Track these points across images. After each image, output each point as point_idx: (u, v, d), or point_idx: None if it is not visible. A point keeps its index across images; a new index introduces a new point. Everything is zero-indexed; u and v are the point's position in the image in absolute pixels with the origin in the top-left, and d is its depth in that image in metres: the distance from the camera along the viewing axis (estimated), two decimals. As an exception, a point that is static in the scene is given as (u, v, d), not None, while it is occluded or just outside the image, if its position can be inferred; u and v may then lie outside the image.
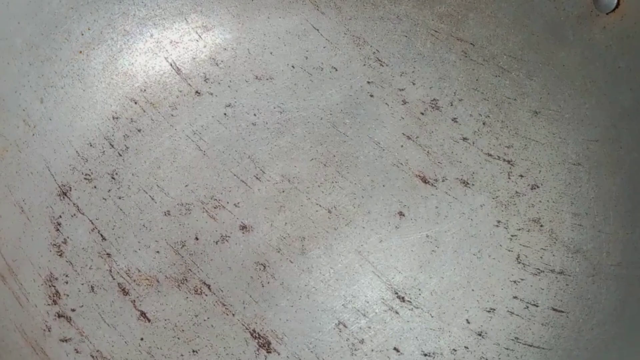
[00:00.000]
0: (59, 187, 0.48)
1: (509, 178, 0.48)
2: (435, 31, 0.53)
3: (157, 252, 0.46)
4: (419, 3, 0.53)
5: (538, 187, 0.47)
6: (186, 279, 0.45)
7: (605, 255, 0.42)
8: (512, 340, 0.42)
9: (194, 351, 0.43)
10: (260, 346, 0.44)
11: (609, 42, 0.45)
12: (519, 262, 0.45)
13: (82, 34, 0.51)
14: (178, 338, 0.44)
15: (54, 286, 0.45)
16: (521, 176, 0.48)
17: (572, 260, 0.43)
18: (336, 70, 0.54)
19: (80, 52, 0.51)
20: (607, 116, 0.45)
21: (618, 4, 0.43)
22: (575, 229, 0.44)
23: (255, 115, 0.52)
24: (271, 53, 0.55)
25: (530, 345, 0.42)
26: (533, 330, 0.41)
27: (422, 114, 0.52)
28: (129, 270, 0.46)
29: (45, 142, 0.49)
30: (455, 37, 0.52)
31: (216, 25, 0.55)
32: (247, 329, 0.44)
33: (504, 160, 0.49)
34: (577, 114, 0.47)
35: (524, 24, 0.49)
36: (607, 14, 0.44)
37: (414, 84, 0.53)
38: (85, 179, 0.49)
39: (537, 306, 0.42)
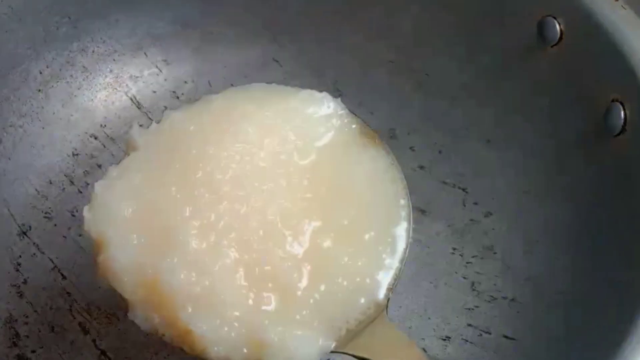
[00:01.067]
0: (19, 226, 0.48)
1: (464, 205, 0.49)
2: (391, 62, 0.54)
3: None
4: (374, 36, 0.54)
5: (491, 214, 0.48)
6: (147, 316, 0.46)
7: (554, 283, 0.43)
8: (468, 367, 0.43)
9: (155, 388, 0.44)
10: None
11: (553, 73, 0.46)
12: (474, 290, 0.46)
13: (41, 73, 0.51)
14: (140, 375, 0.44)
15: (13, 328, 0.45)
16: (475, 204, 0.49)
17: (524, 288, 0.44)
18: (296, 100, 0.55)
19: (39, 90, 0.51)
20: (553, 145, 0.47)
21: (561, 37, 0.45)
22: (526, 257, 0.46)
23: (216, 147, 0.53)
24: (232, 85, 0.56)
25: (485, 373, 0.43)
26: (486, 358, 0.43)
27: (380, 143, 0.53)
28: (89, 308, 0.46)
29: (5, 182, 0.49)
30: (409, 69, 0.53)
31: (176, 59, 0.56)
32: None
33: (459, 188, 0.50)
34: (526, 143, 0.48)
35: (474, 56, 0.50)
36: (551, 46, 0.46)
37: (372, 113, 0.54)
38: (45, 217, 0.49)
39: (490, 333, 0.44)
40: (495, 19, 0.49)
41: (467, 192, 0.49)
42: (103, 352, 0.44)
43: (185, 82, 0.55)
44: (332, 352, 0.31)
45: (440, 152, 0.51)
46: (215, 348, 0.29)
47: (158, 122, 0.34)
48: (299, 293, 0.29)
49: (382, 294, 0.32)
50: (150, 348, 0.44)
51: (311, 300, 0.30)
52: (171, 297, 0.28)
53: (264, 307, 0.29)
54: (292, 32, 0.55)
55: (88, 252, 0.48)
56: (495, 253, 0.47)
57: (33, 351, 0.44)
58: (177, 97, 0.55)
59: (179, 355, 0.44)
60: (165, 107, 0.54)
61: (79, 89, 0.53)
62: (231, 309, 0.29)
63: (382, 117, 0.53)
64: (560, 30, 0.45)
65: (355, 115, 0.39)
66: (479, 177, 0.50)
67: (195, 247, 0.29)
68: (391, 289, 0.33)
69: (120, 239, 0.29)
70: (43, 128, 0.51)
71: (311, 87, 0.54)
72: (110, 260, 0.29)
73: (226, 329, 0.29)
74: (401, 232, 0.33)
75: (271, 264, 0.30)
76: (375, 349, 0.31)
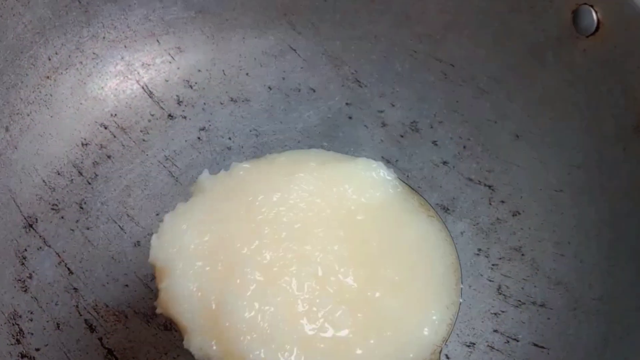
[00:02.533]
0: (25, 218, 0.46)
1: (490, 204, 0.47)
2: (414, 51, 0.51)
3: (126, 285, 0.45)
4: (397, 23, 0.51)
5: (519, 213, 0.46)
6: (155, 314, 0.43)
7: (587, 288, 0.41)
8: (493, 375, 0.41)
9: (164, 389, 0.42)
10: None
11: (589, 65, 0.43)
12: (500, 293, 0.43)
13: (49, 59, 0.49)
14: (148, 376, 0.42)
15: (17, 324, 0.43)
16: (502, 202, 0.46)
17: (554, 292, 0.42)
18: (314, 91, 0.53)
19: (48, 77, 0.49)
20: (589, 141, 0.44)
21: (598, 27, 0.42)
22: (557, 258, 0.43)
23: (230, 139, 0.51)
24: (247, 74, 0.54)
25: (512, 381, 0.40)
26: (513, 366, 0.40)
27: (402, 136, 0.50)
28: (96, 305, 0.44)
29: (11, 171, 0.47)
30: (434, 58, 0.51)
31: (190, 47, 0.54)
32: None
33: (485, 185, 0.47)
34: (559, 138, 0.45)
35: (504, 45, 0.47)
36: (587, 36, 0.43)
37: (393, 105, 0.51)
38: (52, 209, 0.47)
39: (517, 341, 0.41)
40: (526, 6, 0.46)
41: (493, 190, 0.47)
42: (110, 352, 0.42)
43: (199, 70, 0.53)
44: None
45: (465, 147, 0.49)
46: None
47: (227, 170, 0.37)
48: (351, 336, 0.31)
49: (431, 350, 0.33)
50: (159, 348, 0.43)
51: (365, 348, 0.31)
52: (232, 326, 0.30)
53: (318, 345, 0.30)
54: (311, 19, 0.53)
55: (96, 245, 0.46)
56: (523, 255, 0.44)
57: (37, 349, 0.42)
58: (191, 87, 0.53)
59: (189, 355, 0.42)
60: (178, 97, 0.52)
61: (88, 76, 0.51)
62: (290, 343, 0.30)
63: (404, 109, 0.51)
64: (597, 19, 0.42)
65: (406, 184, 0.41)
66: (507, 174, 0.47)
67: (258, 280, 0.30)
68: (441, 347, 0.34)
69: (185, 268, 0.31)
70: (51, 116, 0.49)
71: (330, 78, 0.52)
72: (173, 287, 0.31)
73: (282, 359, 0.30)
74: (451, 290, 0.35)
75: (327, 305, 0.31)
76: None
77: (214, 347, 0.30)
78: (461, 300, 0.36)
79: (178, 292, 0.31)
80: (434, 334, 0.33)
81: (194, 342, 0.31)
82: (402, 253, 0.35)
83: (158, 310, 0.32)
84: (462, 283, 0.37)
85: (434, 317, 0.33)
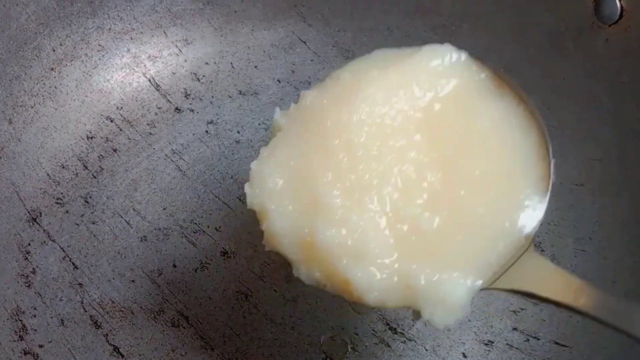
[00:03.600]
0: (29, 212, 0.45)
1: (507, 199, 0.45)
2: (428, 42, 0.50)
3: (132, 281, 0.44)
4: (410, 13, 0.50)
5: (538, 208, 0.44)
6: (162, 310, 0.42)
7: (611, 285, 0.39)
8: (512, 375, 0.39)
9: (171, 388, 0.41)
10: (242, 382, 0.41)
11: (611, 55, 0.42)
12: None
13: (54, 50, 0.48)
14: (154, 374, 0.41)
15: (20, 320, 0.42)
16: (520, 197, 0.45)
17: (576, 289, 0.40)
18: (324, 84, 0.52)
19: (52, 69, 0.48)
20: (611, 133, 0.42)
21: (621, 15, 0.41)
22: (578, 254, 0.41)
23: (238, 132, 0.50)
24: (256, 67, 0.52)
25: (532, 381, 0.39)
26: (534, 366, 0.39)
27: (415, 130, 0.49)
28: (101, 301, 0.43)
29: (14, 165, 0.46)
30: (448, 49, 0.49)
31: (197, 39, 0.52)
32: (228, 363, 0.41)
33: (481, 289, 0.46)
34: (579, 131, 0.44)
35: (522, 36, 0.46)
36: (609, 25, 0.42)
37: (406, 98, 0.50)
38: (56, 203, 0.46)
39: (538, 339, 0.40)
40: (545, -6, 0.45)
41: (510, 184, 0.45)
42: (115, 349, 0.41)
43: (207, 63, 0.52)
44: (481, 289, 0.32)
45: (480, 140, 0.47)
46: (372, 295, 0.31)
47: (296, 102, 0.37)
48: (442, 238, 0.32)
49: (527, 230, 0.33)
50: (166, 345, 0.41)
51: (454, 244, 0.32)
52: (327, 252, 0.32)
53: (410, 255, 0.31)
54: (321, 10, 0.52)
55: (101, 240, 0.45)
56: (543, 250, 0.43)
57: (41, 346, 0.41)
58: (198, 79, 0.52)
59: (197, 353, 0.41)
60: (185, 90, 0.51)
61: (94, 68, 0.50)
62: (381, 257, 0.31)
63: (417, 103, 0.49)
64: (621, 7, 0.41)
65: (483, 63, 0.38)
66: (524, 167, 0.46)
67: (340, 205, 0.32)
68: (536, 228, 0.33)
69: (277, 208, 0.33)
70: (56, 109, 0.48)
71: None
72: (271, 228, 0.33)
73: (378, 276, 0.31)
74: (542, 170, 0.35)
75: (412, 214, 0.32)
76: (525, 280, 0.32)
77: (318, 274, 0.32)
78: (554, 179, 0.35)
79: (276, 231, 0.33)
80: (526, 217, 0.33)
81: (301, 271, 0.33)
82: (482, 142, 0.34)
83: (266, 248, 0.34)
84: (550, 157, 0.35)
85: (524, 202, 0.33)
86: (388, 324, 0.42)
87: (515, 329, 0.40)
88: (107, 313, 0.42)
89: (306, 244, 0.32)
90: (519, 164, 0.34)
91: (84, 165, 0.48)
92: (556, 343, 0.39)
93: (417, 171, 0.33)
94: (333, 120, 0.33)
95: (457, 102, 0.35)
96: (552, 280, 0.32)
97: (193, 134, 0.50)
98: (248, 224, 0.46)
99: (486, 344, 0.40)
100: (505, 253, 0.32)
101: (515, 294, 0.32)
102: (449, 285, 0.31)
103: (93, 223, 0.45)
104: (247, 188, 0.34)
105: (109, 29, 0.50)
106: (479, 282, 0.31)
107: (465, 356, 0.40)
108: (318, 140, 0.34)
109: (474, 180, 0.33)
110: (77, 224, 0.45)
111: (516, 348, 0.40)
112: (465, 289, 0.31)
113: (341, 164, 0.33)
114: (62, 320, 0.42)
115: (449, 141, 0.34)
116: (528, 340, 0.40)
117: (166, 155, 0.49)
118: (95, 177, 0.47)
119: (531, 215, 0.33)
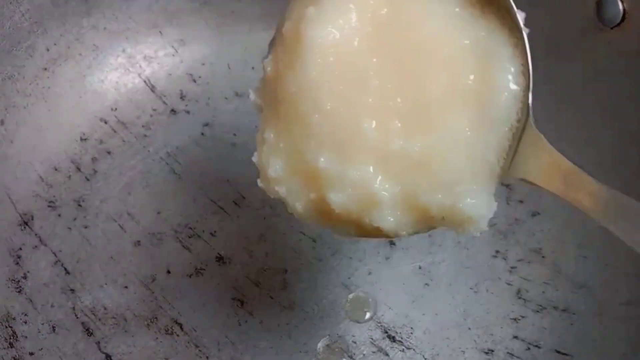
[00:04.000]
0: (20, 216, 0.44)
1: (508, 203, 0.45)
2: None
3: (125, 287, 0.43)
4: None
5: (539, 214, 0.44)
6: (156, 317, 0.42)
7: (613, 292, 0.39)
8: (512, 383, 0.39)
9: (164, 397, 0.40)
10: (237, 391, 0.40)
11: (613, 58, 0.41)
12: (520, 297, 0.41)
13: (48, 50, 0.47)
14: (147, 382, 0.40)
15: (10, 327, 0.41)
16: (521, 202, 0.44)
17: (577, 297, 0.40)
18: (322, 86, 0.51)
19: (46, 69, 0.47)
20: (613, 138, 0.42)
21: (624, 18, 0.40)
22: (579, 261, 0.41)
23: (235, 135, 0.49)
24: (253, 68, 0.52)
25: (532, 390, 0.38)
26: (535, 375, 0.38)
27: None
28: (94, 307, 0.42)
29: (6, 167, 0.45)
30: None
31: (194, 39, 0.52)
32: (223, 371, 0.40)
33: (502, 184, 0.45)
34: (581, 135, 0.43)
35: (522, 37, 0.45)
36: (611, 28, 0.41)
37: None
38: (49, 206, 0.45)
39: (539, 347, 0.39)
40: (546, -4, 0.44)
41: (511, 189, 0.45)
42: (108, 356, 0.40)
43: (203, 64, 0.51)
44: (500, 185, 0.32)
45: (480, 144, 0.47)
46: (389, 218, 0.31)
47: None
48: (434, 159, 0.31)
49: (516, 108, 0.33)
50: (160, 353, 0.40)
51: (448, 161, 0.31)
52: (345, 213, 0.31)
53: (414, 188, 0.31)
54: (320, 11, 0.51)
55: (94, 245, 0.44)
56: (543, 257, 0.42)
57: (31, 353, 0.40)
58: (194, 81, 0.51)
59: (191, 362, 0.40)
60: (181, 91, 0.50)
61: (88, 68, 0.49)
62: (389, 200, 0.31)
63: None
64: (624, 9, 0.40)
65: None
66: (525, 172, 0.45)
67: (335, 168, 0.31)
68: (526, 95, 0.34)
69: (289, 194, 0.33)
70: (49, 110, 0.47)
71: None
72: (293, 212, 0.33)
73: (392, 219, 0.31)
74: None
75: (398, 147, 0.31)
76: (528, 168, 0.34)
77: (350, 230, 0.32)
78: (526, 31, 0.35)
79: (298, 214, 0.33)
80: (510, 97, 0.33)
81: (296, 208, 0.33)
82: (438, 47, 0.33)
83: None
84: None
85: (503, 83, 0.33)
86: (386, 332, 0.41)
87: (515, 337, 0.40)
88: (100, 320, 0.41)
89: (324, 212, 0.32)
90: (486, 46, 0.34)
91: (77, 168, 0.47)
92: (557, 352, 0.38)
93: (383, 98, 0.32)
94: (293, 84, 0.32)
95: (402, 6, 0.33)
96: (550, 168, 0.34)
97: (188, 136, 0.49)
98: (244, 229, 0.45)
99: (486, 353, 0.39)
100: (500, 144, 0.33)
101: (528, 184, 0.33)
102: (467, 206, 0.31)
103: (86, 227, 0.45)
104: (259, 183, 0.34)
105: (104, 28, 0.49)
106: (493, 187, 0.32)
107: (464, 365, 0.39)
108: (290, 110, 0.32)
109: (444, 92, 0.32)
110: (70, 228, 0.45)
111: (517, 357, 0.39)
112: (482, 199, 0.32)
113: (319, 127, 0.32)
114: (53, 327, 0.41)
115: (404, 54, 0.32)
116: (529, 348, 0.39)
117: (161, 158, 0.48)
118: (88, 180, 0.46)
119: (515, 90, 0.33)
